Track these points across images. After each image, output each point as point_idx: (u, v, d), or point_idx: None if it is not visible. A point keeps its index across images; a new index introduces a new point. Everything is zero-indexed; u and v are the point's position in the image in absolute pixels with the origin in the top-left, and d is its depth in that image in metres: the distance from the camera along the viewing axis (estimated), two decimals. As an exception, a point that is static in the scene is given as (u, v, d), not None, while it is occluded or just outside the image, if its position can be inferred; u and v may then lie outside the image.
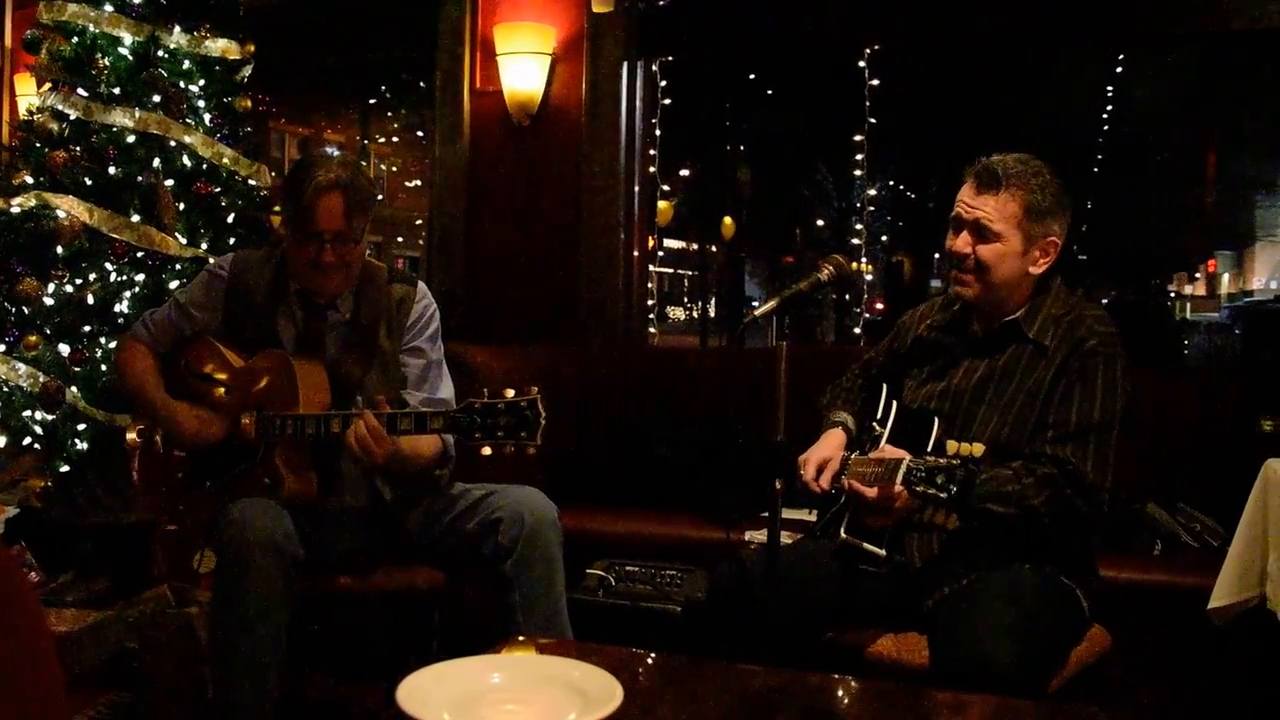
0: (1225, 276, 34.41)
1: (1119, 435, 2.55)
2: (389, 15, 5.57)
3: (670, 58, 5.39)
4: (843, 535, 2.62)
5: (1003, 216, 2.58)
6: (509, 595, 2.83)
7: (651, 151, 5.41)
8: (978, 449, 2.37)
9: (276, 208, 4.51)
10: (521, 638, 2.22)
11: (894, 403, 2.78)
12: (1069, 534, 2.56)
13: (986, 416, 2.58)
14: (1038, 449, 2.53)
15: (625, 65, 5.17)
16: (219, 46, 4.50)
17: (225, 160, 4.42)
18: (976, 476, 2.34)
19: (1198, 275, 35.39)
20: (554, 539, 2.88)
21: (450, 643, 2.71)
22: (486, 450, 2.59)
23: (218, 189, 4.39)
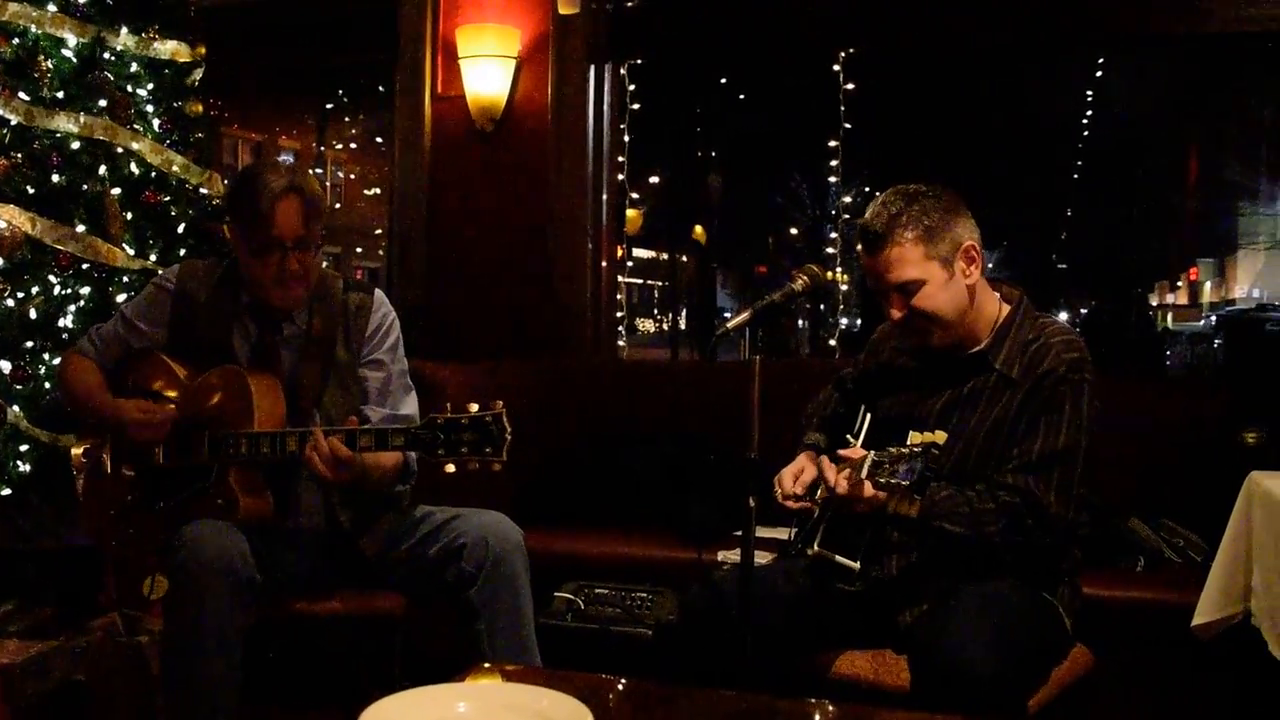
0: (1207, 285, 34.78)
1: (1085, 460, 2.58)
2: (346, 17, 5.55)
3: (639, 60, 5.40)
4: (815, 548, 2.63)
5: (908, 262, 2.59)
6: (474, 622, 2.82)
7: (620, 158, 5.42)
8: (939, 436, 2.46)
9: (227, 217, 4.48)
10: (487, 665, 2.21)
11: (868, 415, 2.80)
12: (1028, 559, 2.58)
13: (950, 445, 2.60)
14: (1001, 478, 2.55)
15: (592, 68, 5.18)
16: (168, 49, 4.47)
17: (175, 168, 4.39)
18: (937, 461, 2.40)
19: (1179, 284, 35.76)
20: (520, 565, 2.87)
21: (413, 670, 2.70)
22: (450, 468, 2.58)
23: (167, 198, 4.36)
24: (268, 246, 2.84)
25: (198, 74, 4.63)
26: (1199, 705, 3.36)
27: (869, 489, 2.48)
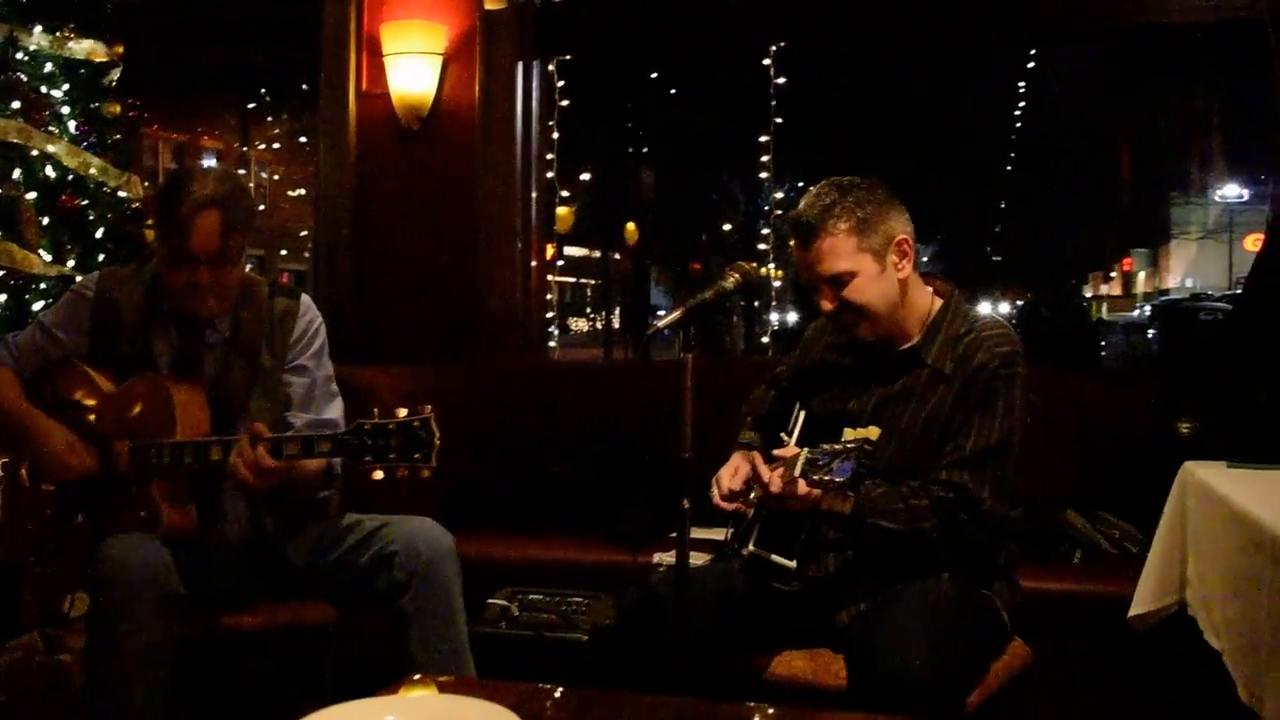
0: (1141, 275, 35.36)
1: (1020, 453, 2.62)
2: (268, 14, 5.49)
3: (568, 56, 5.39)
4: (750, 548, 2.64)
5: (840, 254, 2.61)
6: (406, 632, 2.79)
7: (549, 155, 5.41)
8: (873, 433, 2.49)
9: (150, 221, 4.42)
10: (419, 676, 2.19)
11: (802, 413, 2.81)
12: (963, 554, 2.61)
13: (884, 442, 2.61)
14: (936, 474, 2.57)
15: (520, 65, 5.16)
16: (84, 48, 4.41)
17: (93, 170, 4.33)
18: (871, 458, 2.42)
19: (1113, 274, 36.32)
20: (451, 571, 2.85)
21: (345, 682, 2.67)
22: (378, 474, 2.55)
23: (85, 202, 4.30)
24: (181, 257, 2.80)
25: (115, 74, 4.57)
26: (1137, 696, 3.41)
27: (803, 487, 2.48)
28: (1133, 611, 3.03)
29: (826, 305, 2.66)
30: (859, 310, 2.63)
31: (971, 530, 2.55)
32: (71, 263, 4.25)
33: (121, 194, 4.46)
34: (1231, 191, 30.03)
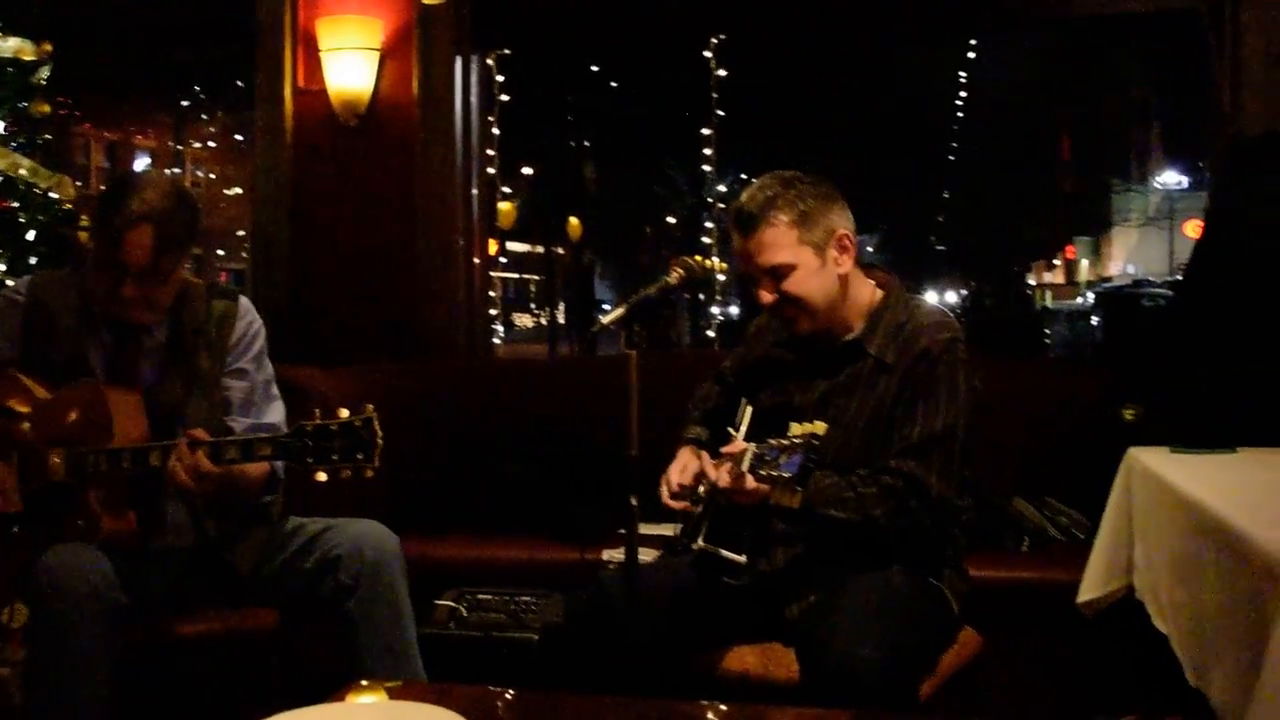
0: (1084, 263, 35.75)
1: (969, 442, 2.64)
2: (202, 9, 5.43)
3: (507, 51, 5.37)
4: (700, 543, 2.64)
5: (780, 246, 2.62)
6: (353, 636, 2.78)
7: (490, 150, 5.39)
8: (819, 427, 2.52)
9: (84, 220, 4.37)
10: (367, 681, 2.18)
11: (749, 408, 2.82)
12: (914, 542, 2.63)
13: (831, 435, 2.63)
14: (884, 464, 2.59)
15: (459, 59, 5.13)
16: (10, 46, 4.35)
17: (22, 171, 4.27)
18: (818, 452, 2.44)
19: (1057, 262, 36.69)
20: (398, 574, 2.83)
21: (291, 689, 2.65)
22: (321, 476, 2.54)
23: (15, 204, 4.24)
24: (110, 266, 2.76)
25: (44, 72, 4.51)
26: (1087, 680, 3.45)
27: (751, 482, 2.50)
28: (1081, 597, 3.06)
29: (766, 297, 2.67)
30: (798, 303, 2.64)
31: (921, 517, 2.57)
32: (3, 266, 4.19)
33: (53, 195, 4.40)
34: (1171, 179, 30.48)
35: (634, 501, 2.35)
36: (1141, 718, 3.27)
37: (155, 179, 2.87)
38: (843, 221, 2.68)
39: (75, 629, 2.54)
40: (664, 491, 2.71)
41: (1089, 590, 3.05)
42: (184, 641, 2.90)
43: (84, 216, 4.37)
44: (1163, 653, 2.54)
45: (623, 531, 2.55)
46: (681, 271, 2.54)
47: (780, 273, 2.63)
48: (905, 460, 2.57)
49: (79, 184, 4.58)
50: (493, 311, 5.45)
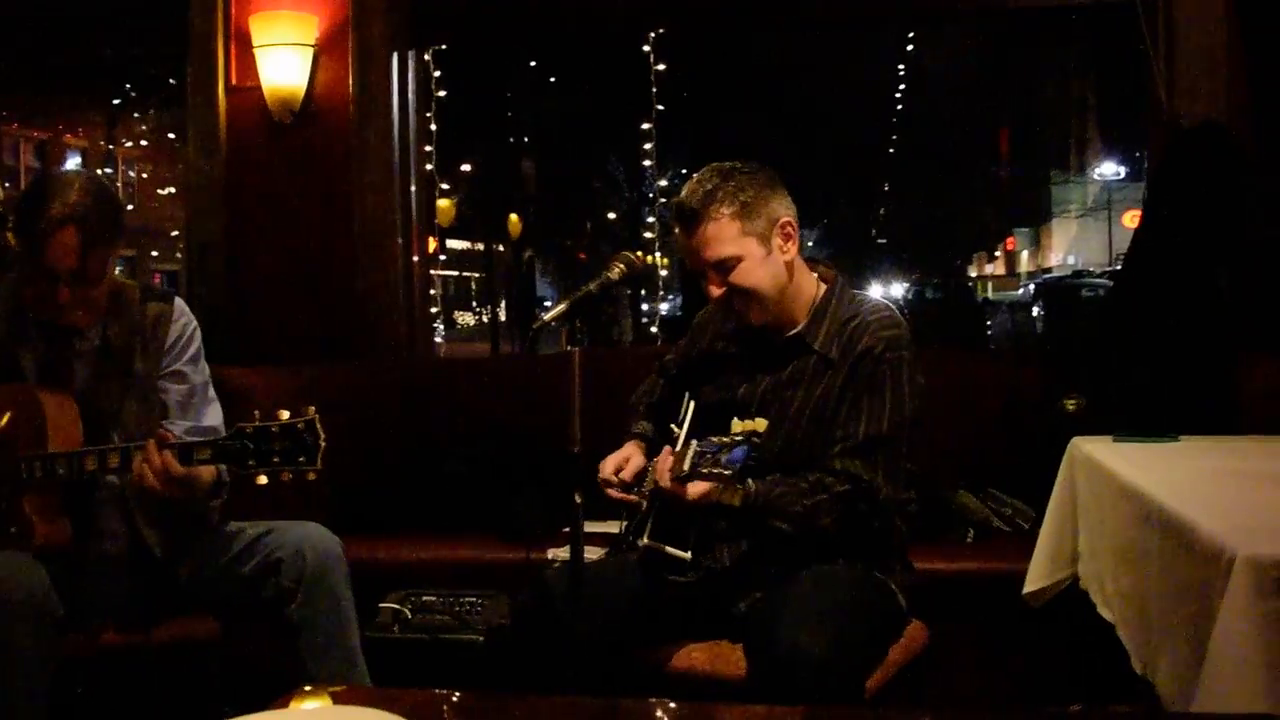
0: (1024, 254, 36.11)
1: (914, 435, 2.67)
2: (133, 6, 5.36)
3: (443, 46, 5.34)
4: (645, 541, 2.65)
5: (725, 239, 2.63)
6: (296, 641, 2.76)
7: (428, 147, 5.36)
8: (760, 424, 2.54)
9: (11, 224, 4.29)
10: (310, 687, 2.16)
11: (692, 402, 2.82)
12: (859, 538, 2.65)
13: (773, 431, 2.64)
14: (829, 463, 2.60)
15: (395, 55, 5.09)
16: (-67, 46, 4.27)
17: (-53, 173, 4.20)
18: (760, 449, 2.43)
19: (997, 254, 37.03)
20: (340, 576, 2.82)
21: (234, 697, 2.62)
22: (262, 479, 2.52)
23: (-60, 206, 4.17)
24: (38, 271, 2.72)
25: (-32, 71, 4.43)
26: (1034, 670, 3.49)
27: (691, 491, 2.50)
28: (1027, 588, 3.10)
29: (715, 290, 2.67)
30: (748, 294, 2.65)
31: (869, 519, 2.60)
32: (-72, 271, 4.12)
33: (-21, 197, 4.33)
34: (1109, 170, 30.83)
35: (578, 498, 2.35)
36: (1088, 707, 3.31)
37: (72, 179, 2.81)
38: (784, 209, 2.68)
39: (11, 640, 2.50)
40: (600, 475, 2.73)
41: (1034, 581, 3.08)
42: (123, 651, 2.87)
43: (11, 220, 4.30)
44: (1108, 641, 2.57)
45: (567, 530, 2.54)
46: (623, 266, 2.53)
47: (727, 266, 2.63)
48: (851, 460, 2.58)
49: (7, 185, 4.51)
50: (433, 310, 5.41)
